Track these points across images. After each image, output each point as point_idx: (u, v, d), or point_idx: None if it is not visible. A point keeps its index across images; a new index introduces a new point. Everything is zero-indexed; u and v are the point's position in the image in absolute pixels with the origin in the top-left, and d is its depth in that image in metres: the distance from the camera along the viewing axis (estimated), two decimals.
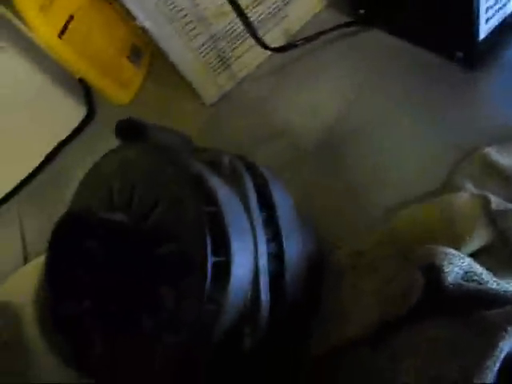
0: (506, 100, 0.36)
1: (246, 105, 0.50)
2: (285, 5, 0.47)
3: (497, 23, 0.37)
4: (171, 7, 0.40)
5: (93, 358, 0.25)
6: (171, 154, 0.26)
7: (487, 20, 0.35)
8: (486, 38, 0.36)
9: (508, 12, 0.37)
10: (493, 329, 0.25)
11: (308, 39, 0.44)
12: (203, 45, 0.45)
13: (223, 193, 0.25)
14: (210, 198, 0.24)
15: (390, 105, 0.41)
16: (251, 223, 0.25)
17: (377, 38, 0.45)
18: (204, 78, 0.47)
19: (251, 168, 0.29)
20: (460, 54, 0.37)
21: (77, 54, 0.51)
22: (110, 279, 0.24)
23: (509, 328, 0.24)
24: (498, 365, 0.24)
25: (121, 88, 0.56)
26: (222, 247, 0.23)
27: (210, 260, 0.22)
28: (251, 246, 0.25)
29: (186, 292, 0.23)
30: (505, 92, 0.36)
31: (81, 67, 0.52)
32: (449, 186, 0.33)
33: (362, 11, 0.46)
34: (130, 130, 0.30)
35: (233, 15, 0.43)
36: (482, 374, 0.24)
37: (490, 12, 0.35)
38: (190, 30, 0.43)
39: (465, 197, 0.31)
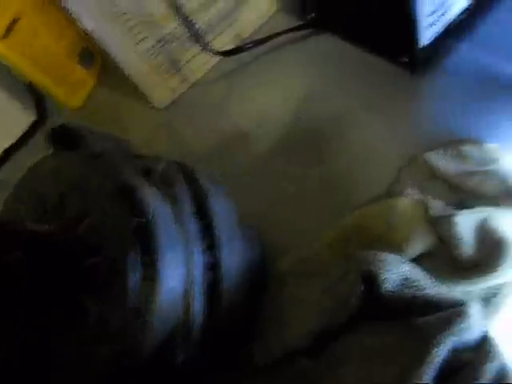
0: (448, 105, 0.37)
1: (199, 108, 0.49)
2: (235, 8, 0.47)
3: (439, 29, 0.37)
4: (115, 10, 0.39)
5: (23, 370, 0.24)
6: (102, 162, 0.26)
7: (429, 26, 0.36)
8: (429, 43, 0.37)
9: (450, 18, 0.37)
10: (427, 336, 0.25)
11: (256, 43, 0.44)
12: (151, 48, 0.44)
13: (155, 203, 0.24)
14: (139, 209, 0.23)
15: (339, 109, 0.41)
16: (184, 233, 0.25)
17: (327, 42, 0.45)
18: (153, 81, 0.46)
19: (189, 175, 0.28)
20: (404, 59, 0.38)
21: (23, 57, 0.49)
22: (36, 290, 0.23)
23: (443, 334, 0.25)
24: (432, 372, 0.24)
25: (71, 91, 0.55)
26: (151, 259, 0.23)
27: (135, 272, 0.21)
28: (183, 257, 0.24)
29: (111, 305, 0.22)
30: (447, 97, 0.37)
31: (27, 70, 0.50)
32: (392, 191, 0.33)
33: (312, 15, 0.46)
34: (64, 137, 0.29)
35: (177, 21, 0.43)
36: (417, 380, 0.24)
37: (432, 18, 0.35)
38: (136, 34, 0.42)
39: (406, 202, 0.31)
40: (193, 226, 0.25)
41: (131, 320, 0.22)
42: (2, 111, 0.52)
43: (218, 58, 0.48)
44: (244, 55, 0.47)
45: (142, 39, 0.42)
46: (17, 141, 0.55)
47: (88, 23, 0.39)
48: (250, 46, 0.43)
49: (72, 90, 0.55)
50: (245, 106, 0.47)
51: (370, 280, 0.27)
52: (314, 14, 0.46)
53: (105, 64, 0.60)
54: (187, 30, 0.40)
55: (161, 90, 0.48)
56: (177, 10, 0.38)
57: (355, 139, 0.39)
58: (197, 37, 0.40)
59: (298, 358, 0.27)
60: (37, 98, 0.58)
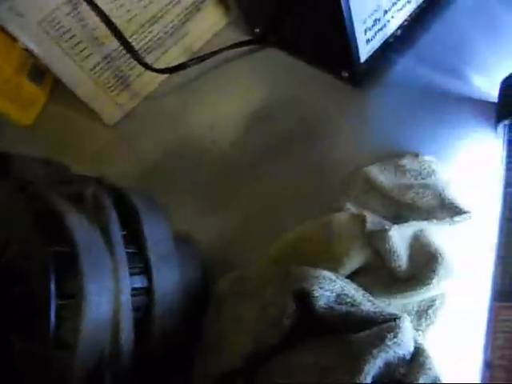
0: (388, 118, 0.37)
1: (152, 122, 0.49)
2: (184, 22, 0.47)
3: (378, 44, 0.38)
4: (57, 28, 0.39)
5: None
6: (29, 190, 0.25)
7: (368, 41, 0.37)
8: (369, 58, 0.38)
9: (389, 33, 0.38)
10: (359, 353, 0.25)
11: (201, 59, 0.44)
12: (97, 65, 0.43)
13: (80, 229, 0.24)
14: (63, 237, 0.23)
15: (286, 122, 0.41)
16: (113, 259, 0.25)
17: (274, 56, 0.46)
18: (102, 98, 0.46)
19: (120, 199, 0.28)
20: (345, 74, 0.38)
21: None
22: None
23: (374, 351, 0.25)
24: None
25: (21, 109, 0.54)
26: (75, 287, 0.22)
27: (53, 303, 0.21)
28: (111, 284, 0.24)
29: (34, 337, 0.22)
30: (387, 110, 0.38)
31: None
32: (333, 206, 0.34)
33: (257, 30, 0.46)
34: None
35: (126, 34, 0.43)
36: None
37: (370, 34, 0.36)
38: (81, 51, 0.41)
39: (343, 217, 0.32)
40: (122, 250, 0.25)
41: (56, 352, 0.22)
42: None
43: (167, 74, 0.48)
44: (194, 68, 0.48)
45: (87, 56, 0.42)
46: None
47: (28, 42, 0.39)
48: (194, 62, 0.43)
49: (22, 107, 0.54)
50: (198, 118, 0.47)
51: (303, 298, 0.27)
52: (258, 30, 0.46)
53: (58, 80, 0.59)
54: (125, 51, 0.40)
55: (110, 107, 0.47)
56: (113, 30, 0.38)
57: (299, 154, 0.39)
58: (136, 57, 0.40)
59: (234, 380, 0.27)
60: None
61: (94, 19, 0.40)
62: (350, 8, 0.32)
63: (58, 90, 0.58)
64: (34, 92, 0.55)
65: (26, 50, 0.41)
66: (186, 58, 0.49)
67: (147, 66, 0.41)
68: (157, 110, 0.50)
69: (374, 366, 0.25)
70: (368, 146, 0.36)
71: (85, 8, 0.39)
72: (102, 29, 0.41)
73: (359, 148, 0.37)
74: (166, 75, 0.49)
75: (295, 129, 0.41)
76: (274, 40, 0.45)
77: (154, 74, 0.48)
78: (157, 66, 0.46)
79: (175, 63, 0.46)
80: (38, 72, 0.56)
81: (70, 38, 0.40)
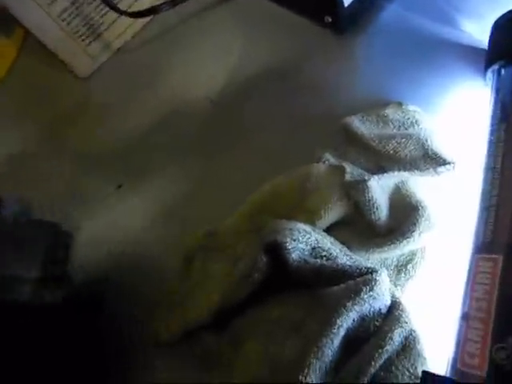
0: (372, 66, 0.36)
1: (125, 75, 0.47)
2: None
3: None
4: None
5: None
6: None
7: None
8: (353, 3, 0.35)
9: None
10: (332, 306, 0.24)
11: (173, 4, 0.41)
12: (65, 10, 0.41)
13: None
14: None
15: (263, 69, 0.40)
16: None
17: (253, 3, 0.43)
18: (72, 48, 0.44)
19: None
20: (329, 19, 0.36)
21: None
22: None
23: (348, 304, 0.24)
24: (336, 342, 0.24)
25: None
26: None
27: None
28: None
29: None
30: (371, 58, 0.36)
31: None
32: (313, 157, 0.32)
33: None
34: None
35: None
36: (319, 351, 0.23)
37: None
38: None
39: (322, 168, 0.30)
40: None
41: None
42: None
43: (142, 23, 0.46)
44: (172, 17, 0.45)
45: (54, 1, 0.40)
46: None
47: None
48: (167, 6, 0.41)
49: None
50: (175, 71, 0.44)
51: (276, 251, 0.26)
52: None
53: (29, 32, 0.56)
54: None
55: (81, 58, 0.45)
56: None
57: (282, 106, 0.38)
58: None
59: (201, 335, 0.26)
60: None
61: None
62: None
63: (29, 42, 0.56)
64: (4, 44, 0.53)
65: None
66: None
67: (118, 10, 0.39)
68: (132, 63, 0.47)
69: (347, 319, 0.24)
70: (352, 96, 0.35)
71: None
72: None
73: (343, 98, 0.35)
74: (140, 24, 0.46)
75: (277, 80, 0.39)
76: None
77: (128, 22, 0.45)
78: None
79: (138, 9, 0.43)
80: (7, 23, 0.53)
81: None
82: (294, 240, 0.26)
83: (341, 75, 0.37)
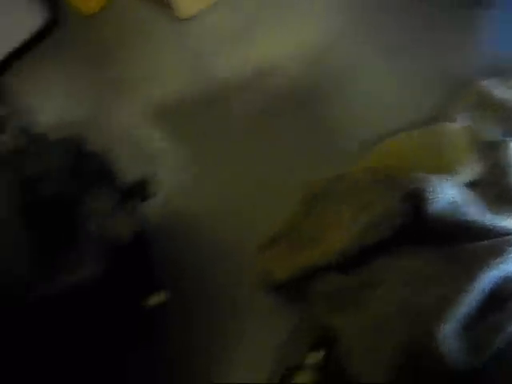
0: (507, 36, 0.35)
1: (222, 30, 0.47)
2: None
3: None
4: None
5: None
6: None
7: None
8: None
9: None
10: (474, 261, 0.24)
11: None
12: None
13: None
14: None
15: (386, 38, 0.39)
16: None
17: None
18: None
19: None
20: None
21: None
22: None
23: (491, 261, 0.24)
24: (475, 298, 0.24)
25: None
26: None
27: None
28: None
29: None
30: (507, 29, 0.35)
31: None
32: (441, 116, 0.32)
33: None
34: None
35: None
36: (456, 305, 0.24)
37: None
38: None
39: (456, 128, 0.30)
40: None
41: None
42: (16, 8, 0.49)
43: None
44: None
45: None
46: (22, 46, 0.52)
47: None
48: None
49: None
50: (275, 37, 0.44)
51: (417, 199, 0.26)
52: None
53: None
54: None
55: (188, 2, 0.45)
56: None
57: (397, 67, 0.37)
58: None
59: (327, 276, 0.27)
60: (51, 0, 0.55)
61: None
62: None
63: None
64: None
65: None
66: None
67: None
68: (228, 18, 0.47)
69: (489, 277, 0.24)
70: (482, 64, 0.34)
71: None
72: None
73: (472, 64, 0.35)
74: None
75: (397, 44, 0.39)
76: None
77: None
78: None
79: None
80: None
81: None
82: (436, 191, 0.26)
83: (470, 44, 0.37)
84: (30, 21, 0.52)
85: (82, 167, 0.27)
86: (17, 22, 0.51)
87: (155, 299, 0.27)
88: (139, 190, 0.30)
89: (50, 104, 0.48)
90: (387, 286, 0.26)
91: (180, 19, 0.47)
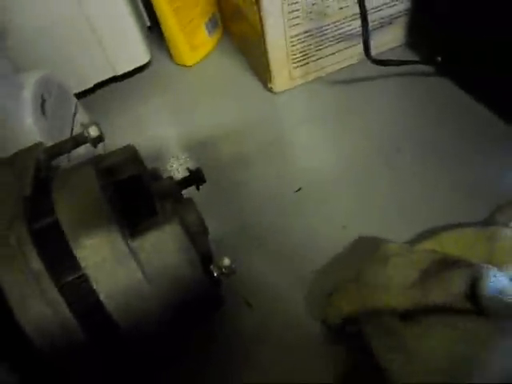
0: None
1: (307, 104, 0.55)
2: (373, 30, 0.54)
3: None
4: None
5: None
6: None
7: None
8: None
9: None
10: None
11: (398, 63, 0.50)
12: (298, 35, 0.50)
13: None
14: None
15: (434, 151, 0.47)
16: None
17: (445, 86, 0.52)
18: (283, 65, 0.52)
19: None
20: None
21: (168, 1, 0.55)
22: None
23: None
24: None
25: (190, 49, 0.60)
26: None
27: None
28: None
29: None
30: None
31: (167, 14, 0.56)
32: (493, 221, 0.39)
33: (439, 58, 0.52)
34: None
35: (331, 19, 0.50)
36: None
37: None
38: (294, 18, 0.48)
39: (509, 232, 0.37)
40: None
41: None
42: (126, 43, 0.57)
43: (342, 65, 0.55)
44: (363, 71, 0.54)
45: (296, 24, 0.48)
46: (123, 74, 0.60)
47: None
48: (395, 63, 0.49)
49: (191, 47, 0.60)
50: (348, 119, 0.52)
51: (475, 279, 0.31)
52: (440, 58, 0.52)
53: (222, 38, 0.66)
54: (362, 29, 0.46)
55: (283, 76, 0.53)
56: (362, 10, 0.44)
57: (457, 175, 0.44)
58: (365, 38, 0.46)
59: (386, 318, 0.32)
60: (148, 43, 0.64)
61: None
62: None
63: (222, 45, 0.65)
64: (204, 39, 0.62)
65: None
66: (356, 61, 0.55)
67: (368, 53, 0.48)
68: (314, 95, 0.55)
69: None
70: None
71: None
72: (318, 7, 0.48)
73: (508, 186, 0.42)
74: (338, 66, 0.55)
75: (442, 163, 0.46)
76: (453, 72, 0.51)
77: (331, 61, 0.54)
78: (337, 55, 0.53)
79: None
80: (214, 22, 0.63)
81: (292, 4, 0.47)
82: (494, 276, 0.31)
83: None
84: (138, 55, 0.61)
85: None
86: (129, 54, 0.60)
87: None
88: (194, 178, 0.35)
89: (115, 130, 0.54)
90: (438, 340, 0.30)
91: (272, 91, 0.55)
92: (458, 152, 0.46)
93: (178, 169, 0.50)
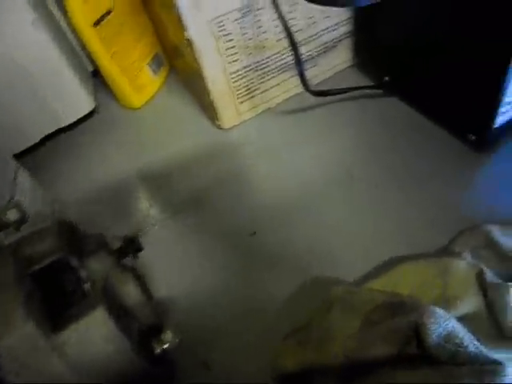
0: (509, 185, 0.42)
1: (263, 137, 0.54)
2: (318, 55, 0.53)
3: (509, 117, 0.43)
4: (221, 29, 0.45)
5: None
6: None
7: (503, 113, 0.42)
8: (498, 127, 0.43)
9: None
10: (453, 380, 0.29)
11: (341, 91, 0.49)
12: (238, 71, 0.49)
13: None
14: None
15: (389, 176, 0.46)
16: None
17: (394, 106, 0.52)
18: (227, 101, 0.51)
19: None
20: (472, 137, 0.44)
21: (104, 47, 0.54)
22: None
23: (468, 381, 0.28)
24: None
25: (135, 92, 0.59)
26: None
27: None
28: None
29: None
30: (506, 179, 0.43)
31: (104, 60, 0.55)
32: (448, 251, 0.38)
33: (386, 78, 0.52)
34: None
35: (270, 52, 0.49)
36: None
37: (508, 107, 0.42)
38: (231, 54, 0.47)
39: (462, 264, 0.36)
40: None
41: None
42: (66, 92, 0.56)
43: (288, 95, 0.55)
44: (312, 98, 0.53)
45: (234, 61, 0.48)
46: (70, 124, 0.59)
47: (194, 33, 0.44)
48: (335, 92, 0.49)
49: (136, 90, 0.59)
50: (301, 148, 0.52)
51: (418, 329, 0.31)
52: (388, 78, 0.52)
53: (168, 76, 0.65)
54: (294, 60, 0.46)
55: (230, 112, 0.53)
56: (291, 41, 0.44)
57: (403, 205, 0.44)
58: (300, 69, 0.46)
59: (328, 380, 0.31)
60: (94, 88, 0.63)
61: (252, 31, 0.47)
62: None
63: (167, 85, 0.65)
64: (149, 80, 0.61)
65: (186, 40, 0.47)
66: (302, 89, 0.55)
67: (306, 85, 0.47)
68: (267, 128, 0.55)
69: None
70: (485, 209, 0.41)
71: (249, 19, 0.46)
72: (255, 40, 0.48)
73: (477, 208, 0.41)
74: (284, 96, 0.55)
75: (402, 184, 0.45)
76: (400, 91, 0.51)
77: (277, 92, 0.54)
78: (282, 86, 0.53)
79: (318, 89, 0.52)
80: (158, 62, 0.62)
81: (228, 41, 0.46)
82: (436, 323, 0.31)
83: (473, 189, 0.43)
84: (82, 104, 0.60)
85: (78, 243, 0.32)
86: (71, 103, 0.59)
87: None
88: (130, 247, 0.34)
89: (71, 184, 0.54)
90: None
91: (220, 128, 0.54)
92: (413, 176, 0.46)
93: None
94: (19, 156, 0.56)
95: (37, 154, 0.59)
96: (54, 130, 0.58)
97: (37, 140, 0.57)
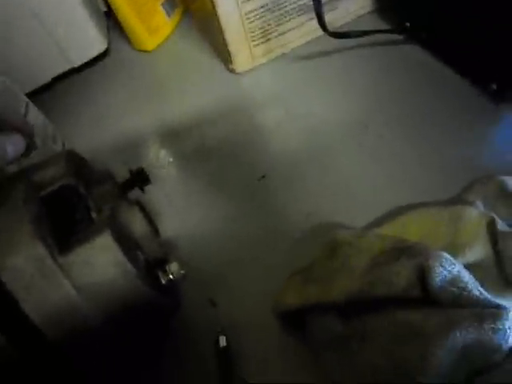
0: None
1: (271, 83, 0.53)
2: None
3: None
4: None
5: None
6: None
7: None
8: None
9: None
10: (453, 320, 0.29)
11: (362, 33, 0.48)
12: (254, 11, 0.48)
13: None
14: None
15: (404, 125, 0.45)
16: None
17: (414, 54, 0.50)
18: (241, 44, 0.50)
19: None
20: (494, 86, 0.42)
21: None
22: None
23: (468, 323, 0.28)
24: (452, 355, 0.28)
25: (148, 33, 0.58)
26: None
27: None
28: None
29: None
30: None
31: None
32: (460, 200, 0.38)
33: (407, 24, 0.51)
34: None
35: None
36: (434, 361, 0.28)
37: None
38: None
39: (474, 212, 0.36)
40: None
41: None
42: (79, 32, 0.56)
43: (306, 39, 0.53)
44: (329, 44, 0.52)
45: (248, 0, 0.47)
46: (81, 64, 0.58)
47: None
48: (354, 34, 0.48)
49: (149, 31, 0.58)
50: (315, 96, 0.51)
51: (423, 271, 0.31)
52: (408, 23, 0.51)
53: (182, 18, 0.64)
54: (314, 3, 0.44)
55: (244, 55, 0.51)
56: None
57: (420, 153, 0.43)
58: (318, 11, 0.44)
59: (331, 317, 0.32)
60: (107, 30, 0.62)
61: None
62: None
63: (180, 27, 0.63)
64: (163, 21, 0.60)
65: None
66: (321, 33, 0.53)
67: (324, 27, 0.46)
68: (279, 73, 0.54)
69: (465, 337, 0.28)
70: (498, 160, 0.40)
71: None
72: None
73: (490, 159, 0.41)
74: (303, 40, 0.53)
75: (417, 132, 0.45)
76: (422, 38, 0.49)
77: (295, 36, 0.53)
78: (300, 29, 0.52)
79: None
80: (171, 4, 0.61)
81: None
82: (442, 266, 0.31)
83: (489, 140, 0.42)
84: (95, 44, 0.59)
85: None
86: (84, 43, 0.58)
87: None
88: (137, 179, 0.34)
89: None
90: (379, 339, 0.30)
91: (234, 72, 0.53)
92: (431, 126, 0.44)
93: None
94: (30, 95, 0.55)
95: (48, 95, 0.59)
96: (65, 69, 0.57)
97: (48, 79, 0.57)
